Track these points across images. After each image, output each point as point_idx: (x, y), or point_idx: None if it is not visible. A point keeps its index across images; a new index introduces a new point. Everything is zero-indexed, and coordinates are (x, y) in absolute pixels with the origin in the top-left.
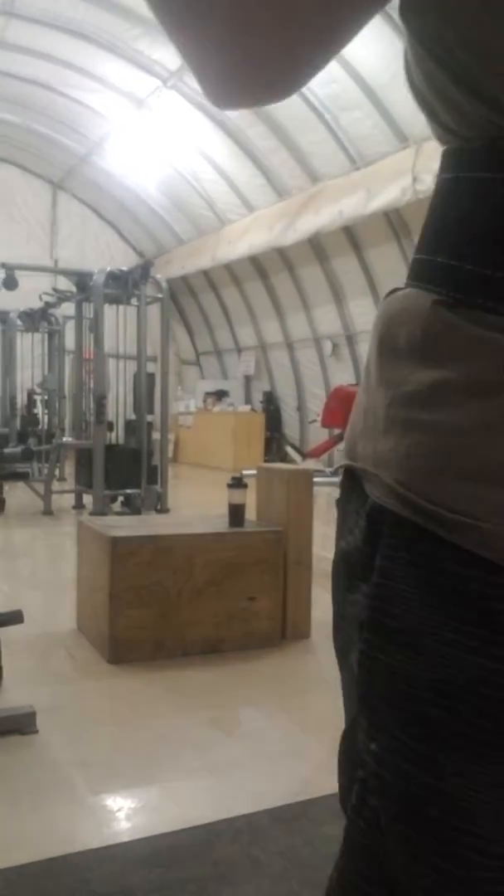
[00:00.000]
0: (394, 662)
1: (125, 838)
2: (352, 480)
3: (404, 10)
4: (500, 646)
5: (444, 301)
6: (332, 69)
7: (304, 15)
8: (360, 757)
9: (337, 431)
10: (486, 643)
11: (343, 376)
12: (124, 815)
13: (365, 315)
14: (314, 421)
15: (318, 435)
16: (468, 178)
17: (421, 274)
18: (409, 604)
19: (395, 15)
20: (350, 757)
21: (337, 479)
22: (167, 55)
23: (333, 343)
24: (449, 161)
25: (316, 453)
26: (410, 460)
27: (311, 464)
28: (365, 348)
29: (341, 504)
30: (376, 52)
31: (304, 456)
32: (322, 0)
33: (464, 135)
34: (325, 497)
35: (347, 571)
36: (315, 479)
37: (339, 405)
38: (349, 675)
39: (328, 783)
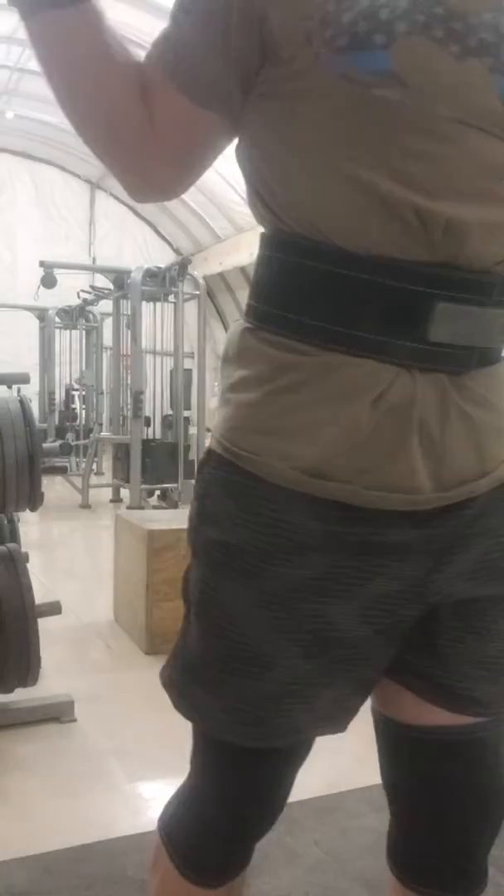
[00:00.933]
0: (205, 532)
1: None
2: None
3: (235, 152)
4: (253, 523)
5: (247, 328)
6: None
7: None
8: (191, 592)
9: None
10: (247, 519)
11: None
12: (160, 803)
13: None
14: None
15: None
16: (264, 254)
17: (244, 310)
18: (215, 498)
19: None
20: (185, 596)
21: None
22: None
23: None
24: (261, 242)
25: None
26: (224, 423)
27: None
28: None
29: None
30: None
31: None
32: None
33: (265, 228)
34: None
35: (195, 491)
36: None
37: None
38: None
39: (365, 775)
